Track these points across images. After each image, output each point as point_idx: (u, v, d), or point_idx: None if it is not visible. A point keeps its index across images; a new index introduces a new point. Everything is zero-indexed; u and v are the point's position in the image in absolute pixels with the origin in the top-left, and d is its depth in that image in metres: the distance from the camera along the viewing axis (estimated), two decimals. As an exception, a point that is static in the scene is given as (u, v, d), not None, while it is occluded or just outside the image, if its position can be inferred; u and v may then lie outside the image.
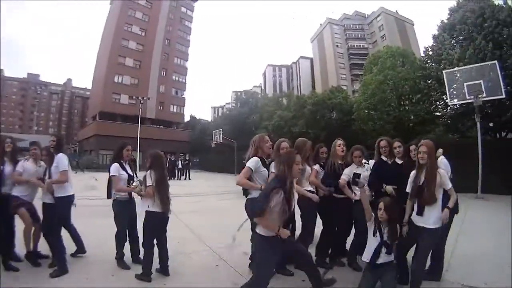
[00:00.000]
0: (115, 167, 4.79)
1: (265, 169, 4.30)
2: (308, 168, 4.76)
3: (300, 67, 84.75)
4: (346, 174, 4.72)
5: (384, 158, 4.68)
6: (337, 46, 69.25)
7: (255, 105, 41.12)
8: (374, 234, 3.75)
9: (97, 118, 44.40)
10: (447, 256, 4.67)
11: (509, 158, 11.19)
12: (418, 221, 3.72)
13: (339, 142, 5.05)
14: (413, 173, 3.88)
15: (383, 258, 3.68)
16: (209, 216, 3.96)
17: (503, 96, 13.06)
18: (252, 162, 4.24)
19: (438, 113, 21.67)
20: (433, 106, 21.46)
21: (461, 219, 8.13)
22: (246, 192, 4.45)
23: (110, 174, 4.78)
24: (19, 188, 4.68)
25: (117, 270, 4.54)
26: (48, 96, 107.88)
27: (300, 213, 4.62)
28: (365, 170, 4.75)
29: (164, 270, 4.43)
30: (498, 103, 15.88)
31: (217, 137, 32.08)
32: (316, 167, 4.94)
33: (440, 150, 4.56)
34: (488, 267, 4.98)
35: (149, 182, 4.43)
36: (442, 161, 4.36)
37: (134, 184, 4.80)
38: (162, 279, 4.34)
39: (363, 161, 4.91)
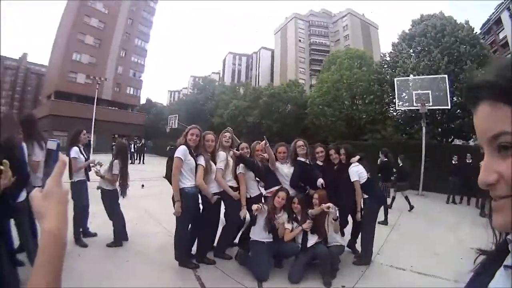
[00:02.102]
0: (75, 150, 5.27)
1: (191, 158, 4.53)
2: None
3: (260, 57, 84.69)
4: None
5: (302, 159, 5.14)
6: (300, 40, 70.05)
7: (212, 93, 40.66)
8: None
9: (52, 97, 42.27)
10: (380, 242, 5.41)
11: (448, 161, 12.12)
12: None
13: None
14: None
15: (311, 241, 4.54)
16: (164, 200, 4.24)
17: (448, 107, 14.39)
18: (180, 151, 4.49)
19: (389, 115, 22.65)
20: (384, 108, 22.50)
21: (399, 212, 9.12)
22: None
23: (71, 156, 5.17)
24: None
25: (79, 250, 4.97)
26: (2, 71, 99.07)
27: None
28: (288, 167, 5.13)
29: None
30: (448, 112, 17.31)
31: (172, 122, 31.59)
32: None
33: (355, 158, 5.25)
34: (415, 253, 5.67)
35: (115, 170, 5.23)
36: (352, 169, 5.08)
37: (96, 167, 5.39)
38: (125, 256, 4.88)
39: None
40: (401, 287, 4.36)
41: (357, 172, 5.04)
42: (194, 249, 4.91)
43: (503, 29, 46.44)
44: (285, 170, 5.08)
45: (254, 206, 4.43)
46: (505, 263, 0.62)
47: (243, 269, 4.67)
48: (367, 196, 5.07)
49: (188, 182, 4.50)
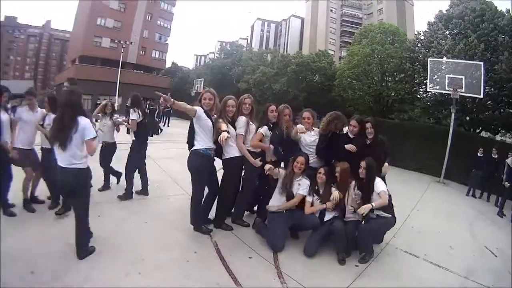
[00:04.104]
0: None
1: (208, 119, 4.47)
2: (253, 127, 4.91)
3: (290, 25, 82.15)
4: None
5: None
6: (331, 10, 67.61)
7: (239, 58, 39.97)
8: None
9: (76, 62, 42.15)
10: (398, 225, 5.18)
11: (472, 151, 11.72)
12: None
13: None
14: None
15: (329, 215, 4.59)
16: (185, 162, 4.32)
17: (481, 96, 13.91)
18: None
19: (418, 96, 21.93)
20: (414, 88, 21.73)
21: (419, 197, 9.03)
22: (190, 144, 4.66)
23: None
24: (21, 138, 4.89)
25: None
26: (25, 39, 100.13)
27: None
28: (311, 135, 5.06)
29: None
30: (479, 101, 16.71)
31: (197, 86, 31.64)
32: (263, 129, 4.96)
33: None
34: (431, 242, 5.67)
35: (133, 117, 5.82)
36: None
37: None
38: (144, 217, 5.16)
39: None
40: (412, 274, 4.40)
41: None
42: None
43: None
44: (308, 139, 5.03)
45: (267, 166, 4.43)
46: None
47: (259, 237, 4.75)
48: None
49: (203, 144, 4.46)
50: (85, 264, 3.57)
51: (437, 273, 4.54)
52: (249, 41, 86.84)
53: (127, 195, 5.85)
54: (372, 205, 4.23)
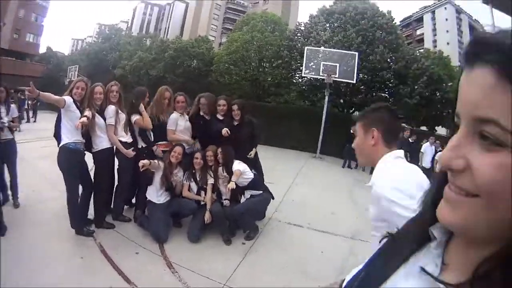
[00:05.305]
0: None
1: (77, 110, 4.18)
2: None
3: (173, 9, 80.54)
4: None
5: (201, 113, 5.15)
6: (217, -3, 67.97)
7: (117, 43, 37.55)
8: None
9: None
10: (278, 199, 5.65)
11: (346, 129, 12.76)
12: None
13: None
14: None
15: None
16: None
17: (354, 81, 15.65)
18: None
19: (294, 81, 23.27)
20: (291, 74, 22.96)
21: (297, 172, 9.44)
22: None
23: None
24: None
25: None
26: None
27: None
28: (185, 119, 5.08)
29: None
30: (352, 86, 18.66)
31: (71, 74, 28.78)
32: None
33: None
34: (312, 211, 6.14)
35: None
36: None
37: None
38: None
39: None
40: (300, 242, 4.73)
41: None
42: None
43: (422, 27, 57.61)
44: (182, 123, 5.00)
45: (141, 163, 4.23)
46: (421, 263, 0.54)
47: (143, 231, 4.63)
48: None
49: (71, 137, 4.14)
50: None
51: (324, 238, 4.96)
52: (129, 25, 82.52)
53: None
54: (233, 182, 4.42)
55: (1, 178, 5.12)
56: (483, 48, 0.42)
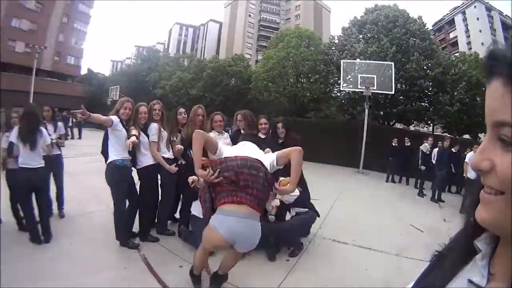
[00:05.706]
0: None
1: (123, 129, 4.35)
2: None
3: (208, 29, 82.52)
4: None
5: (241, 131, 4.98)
6: (249, 15, 68.87)
7: (156, 64, 38.77)
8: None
9: None
10: (322, 216, 5.42)
11: (387, 141, 12.85)
12: None
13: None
14: None
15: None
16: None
17: (392, 92, 15.09)
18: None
19: (332, 95, 23.10)
20: (329, 88, 22.81)
21: (340, 187, 9.36)
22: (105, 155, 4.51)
23: None
24: None
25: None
26: None
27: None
28: (225, 137, 5.06)
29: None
30: (391, 97, 18.00)
31: (113, 94, 29.74)
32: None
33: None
34: (356, 228, 5.96)
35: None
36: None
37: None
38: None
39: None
40: (344, 259, 4.56)
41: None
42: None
43: (455, 29, 54.91)
44: (221, 142, 4.91)
45: (191, 178, 4.14)
46: (468, 275, 0.56)
47: (187, 245, 4.59)
48: None
49: (119, 155, 4.30)
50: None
51: (369, 256, 4.76)
52: (166, 46, 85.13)
53: None
54: (278, 200, 4.33)
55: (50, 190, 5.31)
56: (495, 62, 0.47)
